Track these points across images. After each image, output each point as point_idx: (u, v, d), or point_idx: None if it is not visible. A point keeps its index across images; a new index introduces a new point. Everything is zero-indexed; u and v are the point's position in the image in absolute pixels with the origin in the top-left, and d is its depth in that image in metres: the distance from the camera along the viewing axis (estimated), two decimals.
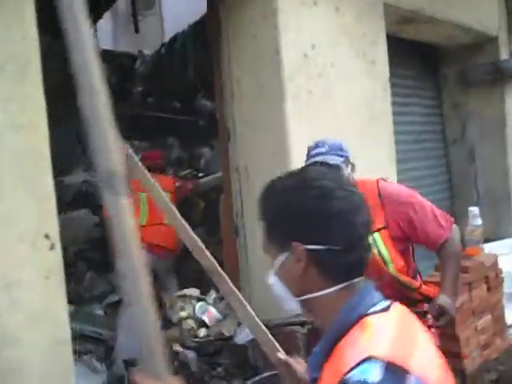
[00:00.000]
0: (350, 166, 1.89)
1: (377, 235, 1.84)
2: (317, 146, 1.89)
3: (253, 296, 3.19)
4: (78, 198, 4.75)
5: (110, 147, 0.89)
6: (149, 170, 3.72)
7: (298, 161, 2.67)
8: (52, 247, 1.87)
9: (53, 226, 1.89)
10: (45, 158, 1.87)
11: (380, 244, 1.85)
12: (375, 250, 1.83)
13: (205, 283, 3.80)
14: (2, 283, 1.73)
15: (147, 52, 7.36)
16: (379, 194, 1.90)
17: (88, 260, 4.29)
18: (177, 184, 3.92)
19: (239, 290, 3.29)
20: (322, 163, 1.77)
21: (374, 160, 3.12)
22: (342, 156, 1.85)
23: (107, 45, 9.82)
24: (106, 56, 7.01)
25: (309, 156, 1.89)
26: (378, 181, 1.96)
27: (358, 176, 1.94)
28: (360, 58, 3.20)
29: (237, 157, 3.22)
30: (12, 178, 1.78)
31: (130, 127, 5.46)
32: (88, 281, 4.09)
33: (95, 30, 7.45)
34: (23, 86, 1.82)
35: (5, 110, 1.77)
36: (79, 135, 5.53)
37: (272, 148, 2.86)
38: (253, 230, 3.15)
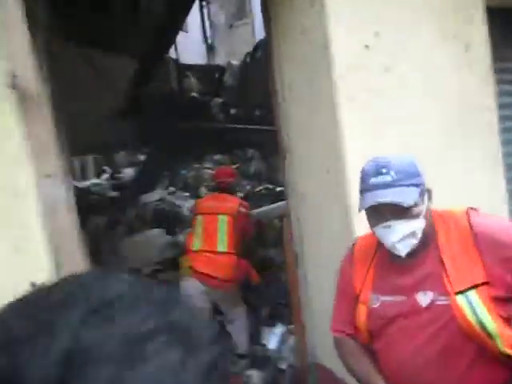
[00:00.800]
0: (426, 196, 1.32)
1: (473, 295, 1.23)
2: (378, 171, 1.31)
3: (314, 331, 2.69)
4: (157, 217, 4.71)
5: None
6: (218, 189, 3.45)
7: (354, 180, 2.12)
8: None
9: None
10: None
11: (479, 307, 1.22)
12: (471, 317, 1.21)
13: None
14: None
15: (235, 62, 7.24)
16: (473, 234, 1.29)
17: (160, 282, 4.14)
18: (241, 209, 3.55)
19: (301, 324, 2.81)
20: (387, 205, 1.25)
21: (467, 182, 2.39)
22: (417, 185, 1.28)
23: (202, 58, 10.04)
24: (196, 71, 7.05)
25: (366, 185, 1.34)
26: (468, 214, 1.35)
27: (437, 206, 1.38)
28: (448, 42, 2.47)
29: (292, 175, 2.75)
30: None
31: (211, 141, 5.33)
32: None
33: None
34: None
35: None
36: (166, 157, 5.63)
37: (325, 165, 2.33)
38: (313, 258, 2.65)
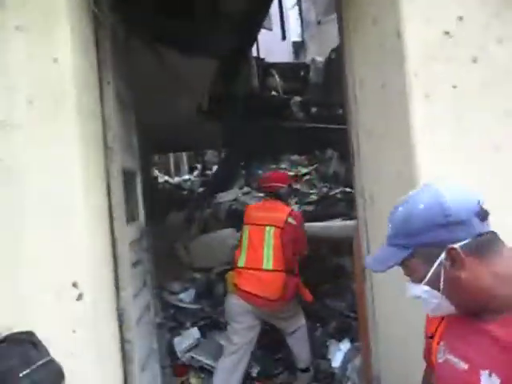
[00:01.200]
0: (439, 259, 0.96)
1: None
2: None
3: (380, 353, 2.43)
4: (230, 216, 4.70)
5: None
6: (266, 195, 3.21)
7: None
8: (80, 297, 1.63)
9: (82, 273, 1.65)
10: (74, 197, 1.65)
11: None
12: None
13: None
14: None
15: (320, 59, 7.01)
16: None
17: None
18: (290, 220, 3.10)
19: (367, 344, 2.56)
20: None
21: None
22: (405, 247, 0.99)
23: (289, 56, 9.90)
24: (281, 69, 6.96)
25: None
26: None
27: None
28: None
29: (360, 178, 2.51)
30: (37, 218, 1.62)
31: (289, 140, 5.20)
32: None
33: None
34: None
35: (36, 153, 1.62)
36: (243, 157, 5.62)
37: (396, 168, 2.07)
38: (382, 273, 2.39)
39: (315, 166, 5.10)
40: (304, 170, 4.92)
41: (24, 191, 1.60)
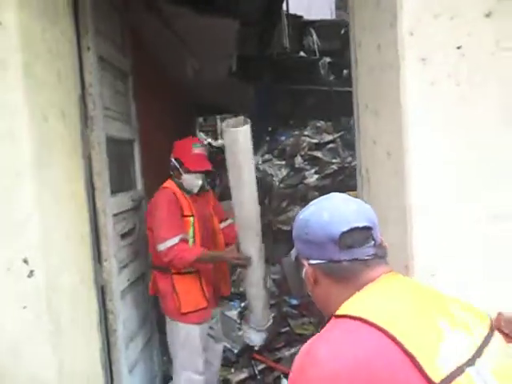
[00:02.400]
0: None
1: None
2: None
3: None
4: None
5: None
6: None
7: (418, 165, 1.62)
8: (30, 274, 1.59)
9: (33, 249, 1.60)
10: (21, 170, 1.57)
11: None
12: None
13: None
14: None
15: None
16: None
17: None
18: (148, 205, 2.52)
19: None
20: None
21: None
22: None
23: (331, 12, 9.29)
24: (319, 27, 6.55)
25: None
26: None
27: None
28: None
29: (360, 153, 2.26)
30: None
31: (316, 105, 4.90)
32: (237, 275, 3.88)
33: None
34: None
35: None
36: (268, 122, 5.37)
37: (386, 144, 1.82)
38: None
39: (341, 133, 4.79)
40: (328, 138, 4.65)
41: None
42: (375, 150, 1.99)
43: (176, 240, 2.28)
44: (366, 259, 0.92)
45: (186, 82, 6.12)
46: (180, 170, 2.42)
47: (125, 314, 2.44)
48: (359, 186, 2.31)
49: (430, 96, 1.64)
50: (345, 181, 3.91)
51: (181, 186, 2.42)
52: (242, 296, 3.63)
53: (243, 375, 2.92)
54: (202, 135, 13.21)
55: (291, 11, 6.81)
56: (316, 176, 4.18)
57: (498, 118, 1.66)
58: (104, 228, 2.26)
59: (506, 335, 1.52)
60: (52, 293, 1.63)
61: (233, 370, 2.97)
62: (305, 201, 4.05)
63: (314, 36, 6.74)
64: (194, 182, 2.41)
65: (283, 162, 4.60)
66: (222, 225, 2.70)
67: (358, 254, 0.92)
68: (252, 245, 2.51)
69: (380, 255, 0.95)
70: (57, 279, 1.68)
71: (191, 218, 2.35)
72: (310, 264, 0.96)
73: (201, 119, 13.02)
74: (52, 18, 1.85)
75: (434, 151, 1.65)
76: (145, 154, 2.96)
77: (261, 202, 4.37)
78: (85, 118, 2.17)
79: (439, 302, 0.94)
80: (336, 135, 4.69)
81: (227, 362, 3.00)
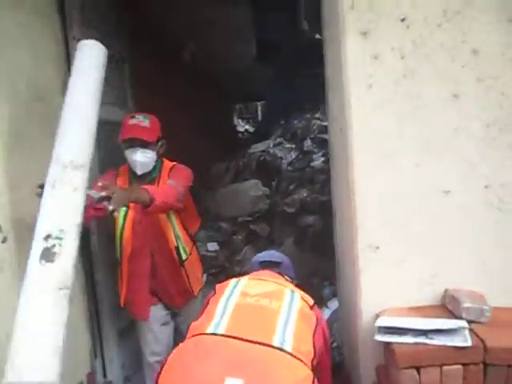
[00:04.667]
0: None
1: None
2: None
3: None
4: (259, 168, 4.63)
5: None
6: None
7: (359, 142, 1.64)
8: (4, 240, 1.79)
9: (4, 218, 1.79)
10: None
11: None
12: None
13: None
14: None
15: None
16: None
17: (251, 232, 4.17)
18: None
19: None
20: None
21: None
22: None
23: None
24: None
25: None
26: None
27: None
28: None
29: (329, 130, 2.29)
30: None
31: None
32: (242, 255, 3.98)
33: None
34: None
35: None
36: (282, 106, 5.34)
37: (340, 120, 1.84)
38: None
39: None
40: None
41: None
42: (334, 124, 2.02)
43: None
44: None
45: (213, 69, 6.24)
46: (122, 146, 2.08)
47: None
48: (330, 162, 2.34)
49: (372, 70, 1.65)
50: None
51: (132, 171, 2.10)
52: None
53: None
54: (240, 122, 13.30)
55: None
56: (322, 159, 4.18)
57: (443, 93, 1.64)
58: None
59: (449, 311, 1.55)
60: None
61: None
62: (312, 183, 4.07)
63: None
64: (130, 157, 2.05)
65: (293, 146, 4.63)
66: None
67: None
68: None
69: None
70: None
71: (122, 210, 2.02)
72: None
73: (240, 106, 12.91)
74: (30, 6, 2.02)
75: (375, 128, 1.67)
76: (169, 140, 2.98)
77: (268, 185, 4.47)
78: None
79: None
80: None
81: None
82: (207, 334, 1.21)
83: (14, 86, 1.86)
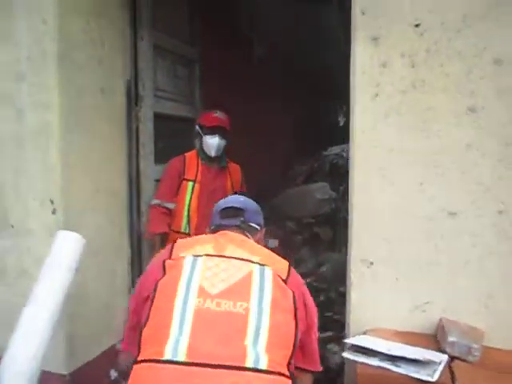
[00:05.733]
0: None
1: None
2: None
3: None
4: (332, 171, 4.52)
5: None
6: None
7: (361, 154, 1.59)
8: (54, 212, 2.10)
9: (57, 193, 2.09)
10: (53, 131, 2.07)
11: None
12: None
13: None
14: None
15: None
16: None
17: (313, 234, 4.10)
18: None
19: None
20: None
21: None
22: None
23: None
24: None
25: None
26: None
27: None
28: None
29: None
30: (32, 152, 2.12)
31: None
32: (300, 255, 3.95)
33: None
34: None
35: (28, 91, 2.09)
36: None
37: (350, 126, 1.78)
38: None
39: None
40: None
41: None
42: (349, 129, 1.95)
43: (153, 202, 2.52)
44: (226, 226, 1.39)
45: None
46: (200, 132, 2.56)
47: None
48: None
49: (380, 79, 1.58)
50: None
51: (200, 153, 2.57)
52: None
53: None
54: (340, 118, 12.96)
55: None
56: None
57: (456, 105, 1.50)
58: (145, 190, 2.71)
59: (437, 342, 1.45)
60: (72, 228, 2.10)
61: None
62: None
63: None
64: (209, 141, 2.51)
65: None
66: None
67: (226, 222, 1.40)
68: None
69: (242, 227, 1.39)
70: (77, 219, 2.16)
71: (190, 183, 2.48)
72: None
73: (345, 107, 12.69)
74: (98, 11, 2.31)
75: (377, 140, 1.59)
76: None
77: (337, 189, 4.37)
78: (135, 97, 2.64)
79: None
80: None
81: None
82: (164, 361, 0.99)
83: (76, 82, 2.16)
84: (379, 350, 1.41)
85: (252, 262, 1.19)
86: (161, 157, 2.83)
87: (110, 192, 2.46)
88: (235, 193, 2.53)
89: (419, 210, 1.56)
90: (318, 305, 3.25)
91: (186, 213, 2.50)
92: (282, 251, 4.16)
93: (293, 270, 1.23)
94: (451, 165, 1.52)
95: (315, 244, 4.02)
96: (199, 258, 1.19)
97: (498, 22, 1.45)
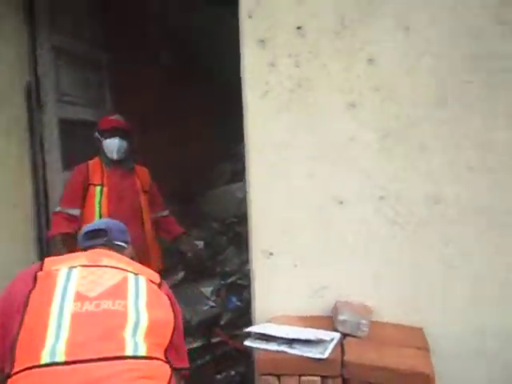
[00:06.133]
0: None
1: None
2: None
3: None
4: None
5: None
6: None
7: (254, 152, 1.65)
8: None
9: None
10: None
11: None
12: None
13: None
14: None
15: None
16: None
17: (236, 234, 4.20)
18: None
19: None
20: None
21: None
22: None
23: None
24: None
25: None
26: None
27: None
28: None
29: None
30: None
31: None
32: (225, 255, 4.02)
33: None
34: None
35: None
36: None
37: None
38: None
39: None
40: None
41: None
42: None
43: (56, 209, 2.45)
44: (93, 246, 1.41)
45: None
46: (100, 138, 2.52)
47: None
48: None
49: (268, 78, 1.66)
50: None
51: (103, 158, 2.52)
52: (224, 275, 3.80)
53: (196, 344, 3.11)
54: None
55: None
56: None
57: (338, 101, 1.62)
58: (53, 199, 2.61)
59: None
60: None
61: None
62: None
63: None
64: (110, 145, 2.47)
65: None
66: (159, 214, 2.73)
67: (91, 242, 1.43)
68: None
69: (108, 245, 1.41)
70: None
71: (98, 187, 2.44)
72: None
73: None
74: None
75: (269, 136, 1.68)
76: None
77: None
78: (37, 103, 2.54)
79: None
80: None
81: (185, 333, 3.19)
82: (42, 365, 0.97)
83: None
84: (278, 335, 1.49)
85: (127, 270, 1.23)
86: (71, 163, 2.74)
87: (12, 204, 2.35)
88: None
89: (311, 200, 1.67)
90: (242, 302, 3.30)
91: (97, 216, 2.44)
92: (208, 253, 4.20)
93: (163, 280, 1.31)
94: (337, 157, 1.64)
95: (239, 243, 4.09)
96: (74, 268, 1.19)
97: (370, 26, 1.59)
